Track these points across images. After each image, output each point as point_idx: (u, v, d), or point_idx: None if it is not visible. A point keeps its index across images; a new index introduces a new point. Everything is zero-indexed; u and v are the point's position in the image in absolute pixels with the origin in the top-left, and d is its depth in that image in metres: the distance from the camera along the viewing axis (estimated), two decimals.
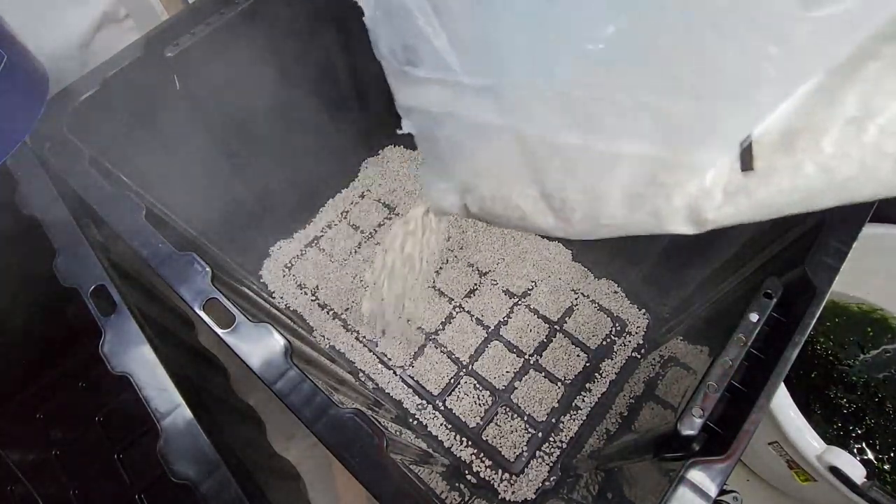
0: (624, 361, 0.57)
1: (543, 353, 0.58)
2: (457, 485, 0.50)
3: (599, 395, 0.55)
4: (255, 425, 0.51)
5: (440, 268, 0.64)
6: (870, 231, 0.31)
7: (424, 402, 0.56)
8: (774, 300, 0.30)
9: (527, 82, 0.25)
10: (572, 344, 0.58)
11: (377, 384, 0.57)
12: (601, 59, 0.23)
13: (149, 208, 0.37)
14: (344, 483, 0.52)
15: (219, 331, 0.30)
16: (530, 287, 0.62)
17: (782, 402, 0.38)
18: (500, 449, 0.53)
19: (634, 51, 0.22)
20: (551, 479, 0.51)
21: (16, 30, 0.37)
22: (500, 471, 0.52)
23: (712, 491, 0.25)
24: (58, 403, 0.58)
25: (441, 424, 0.55)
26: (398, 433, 0.48)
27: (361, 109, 0.66)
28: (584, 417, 0.54)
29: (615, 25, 0.22)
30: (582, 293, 0.61)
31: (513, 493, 0.51)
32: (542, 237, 0.65)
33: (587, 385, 0.56)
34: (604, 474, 0.43)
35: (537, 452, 0.52)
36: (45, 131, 0.39)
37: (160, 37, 0.44)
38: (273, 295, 0.63)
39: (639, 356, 0.57)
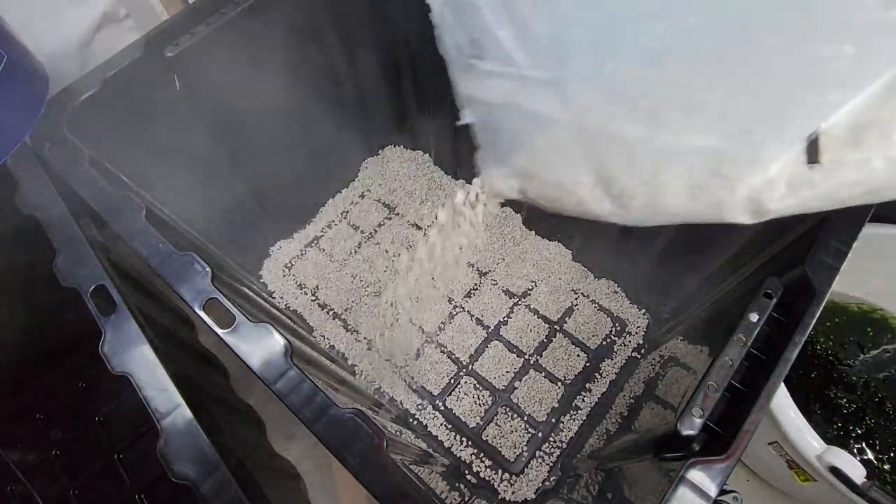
0: (624, 361, 0.57)
1: (543, 353, 0.58)
2: (457, 485, 0.50)
3: (599, 395, 0.55)
4: (255, 425, 0.51)
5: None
6: (870, 231, 0.31)
7: (424, 402, 0.56)
8: (774, 300, 0.30)
9: (592, 77, 0.26)
10: (572, 344, 0.58)
11: (377, 384, 0.57)
12: (669, 56, 0.24)
13: (149, 208, 0.37)
14: (344, 483, 0.52)
15: (219, 331, 0.30)
16: (530, 287, 0.62)
17: (782, 402, 0.38)
18: (500, 449, 0.53)
19: (704, 49, 0.23)
20: (551, 479, 0.51)
21: (16, 30, 0.37)
22: (500, 471, 0.52)
23: (712, 491, 0.25)
24: (58, 403, 0.58)
25: (441, 424, 0.55)
26: (398, 433, 0.48)
27: (361, 109, 0.66)
28: (584, 417, 0.54)
29: (686, 24, 0.23)
30: (582, 293, 0.61)
31: (513, 493, 0.51)
32: (542, 237, 0.65)
33: (587, 385, 0.56)
34: (604, 474, 0.43)
35: (537, 452, 0.52)
36: (45, 131, 0.39)
37: (160, 37, 0.44)
38: (273, 295, 0.63)
39: (639, 356, 0.57)
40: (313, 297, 0.63)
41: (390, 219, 0.69)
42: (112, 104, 0.42)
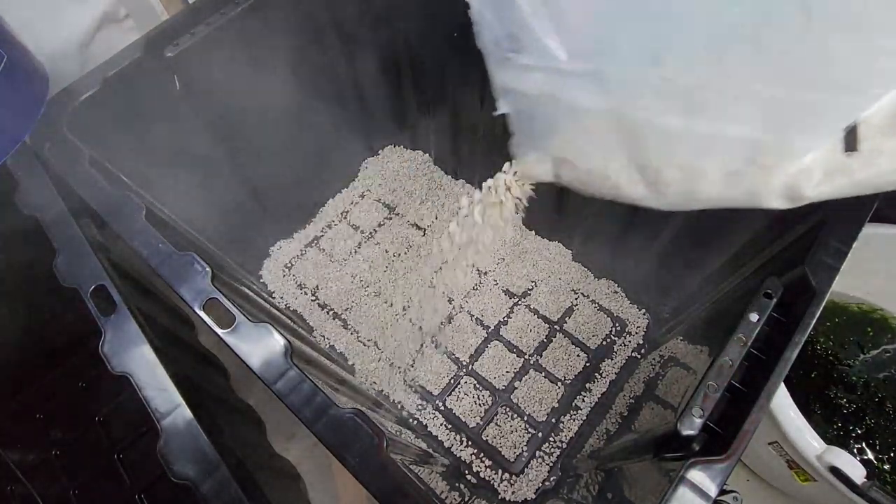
0: (624, 361, 0.57)
1: (543, 353, 0.58)
2: (457, 485, 0.50)
3: (599, 395, 0.55)
4: (255, 425, 0.51)
5: (440, 267, 0.64)
6: (870, 231, 0.31)
7: (424, 402, 0.56)
8: (774, 300, 0.30)
9: (632, 69, 0.26)
10: (572, 344, 0.58)
11: (377, 384, 0.57)
12: (710, 49, 0.24)
13: (149, 208, 0.37)
14: (344, 483, 0.52)
15: (219, 331, 0.30)
16: (530, 287, 0.62)
17: (782, 402, 0.38)
18: (500, 449, 0.53)
19: (745, 43, 0.23)
20: (551, 479, 0.51)
21: (16, 30, 0.37)
22: (500, 471, 0.52)
23: (712, 491, 0.25)
24: (58, 403, 0.58)
25: (441, 424, 0.55)
26: (398, 433, 0.48)
27: (361, 109, 0.66)
28: (584, 417, 0.54)
29: (727, 17, 0.23)
30: (582, 293, 0.61)
31: (513, 493, 0.51)
32: (543, 237, 0.65)
33: (587, 385, 0.56)
34: (604, 474, 0.43)
35: (537, 452, 0.52)
36: (45, 131, 0.39)
37: (160, 37, 0.44)
38: (273, 295, 0.63)
39: (639, 356, 0.57)
40: (313, 297, 0.63)
41: (390, 219, 0.69)
42: (112, 104, 0.42)
